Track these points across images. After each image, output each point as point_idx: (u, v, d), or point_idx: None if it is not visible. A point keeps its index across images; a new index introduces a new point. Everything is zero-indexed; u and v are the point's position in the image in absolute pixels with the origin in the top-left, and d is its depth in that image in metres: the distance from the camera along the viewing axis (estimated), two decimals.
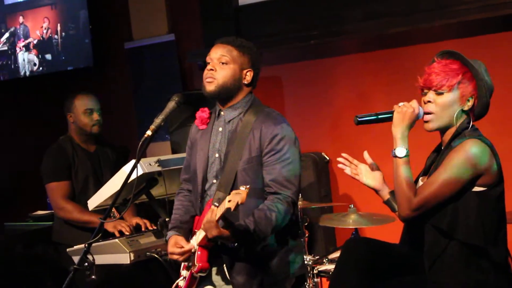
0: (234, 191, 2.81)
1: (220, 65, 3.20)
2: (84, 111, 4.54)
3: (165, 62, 6.11)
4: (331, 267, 4.14)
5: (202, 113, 3.36)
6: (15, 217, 5.62)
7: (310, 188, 5.04)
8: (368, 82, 5.18)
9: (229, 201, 2.77)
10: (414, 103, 2.93)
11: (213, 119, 3.34)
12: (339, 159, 3.25)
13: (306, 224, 4.37)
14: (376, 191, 3.21)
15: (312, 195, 5.03)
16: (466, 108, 2.92)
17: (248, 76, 3.25)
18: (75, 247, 4.00)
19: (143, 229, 4.23)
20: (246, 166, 3.15)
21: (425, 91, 2.94)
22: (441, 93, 2.89)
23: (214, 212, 2.92)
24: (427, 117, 2.94)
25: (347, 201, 4.88)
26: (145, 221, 4.30)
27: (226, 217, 2.91)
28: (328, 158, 5.29)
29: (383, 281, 2.95)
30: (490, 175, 2.85)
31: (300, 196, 4.01)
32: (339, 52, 5.31)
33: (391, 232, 3.54)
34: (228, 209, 2.77)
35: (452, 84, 2.87)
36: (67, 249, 4.07)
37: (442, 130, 2.97)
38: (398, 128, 2.92)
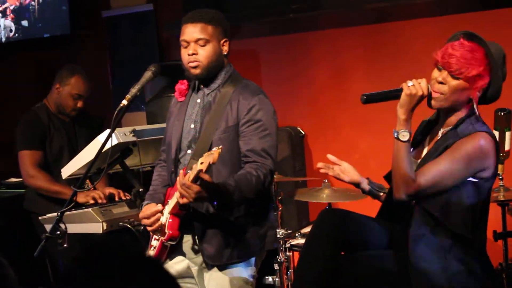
0: (206, 153, 2.79)
1: (200, 47, 3.16)
2: (73, 95, 4.49)
3: (143, 32, 6.06)
4: (303, 241, 4.12)
5: (181, 85, 3.33)
6: None
7: (284, 162, 5.04)
8: (347, 58, 5.18)
9: (201, 163, 2.75)
10: (423, 83, 2.84)
11: (191, 90, 3.32)
12: (319, 165, 3.20)
13: (280, 198, 4.39)
14: (357, 185, 3.19)
15: (287, 169, 5.03)
16: (475, 97, 2.85)
17: (226, 46, 3.23)
18: (48, 215, 3.97)
19: (116, 199, 4.21)
20: (222, 136, 3.14)
21: (440, 66, 2.85)
22: (457, 79, 2.80)
23: (186, 176, 2.89)
24: (434, 95, 2.84)
25: (321, 176, 4.83)
26: (119, 190, 4.28)
27: (200, 177, 2.86)
28: (303, 133, 5.30)
29: (358, 253, 2.95)
30: (490, 170, 2.83)
31: None
32: (318, 26, 5.29)
33: (364, 208, 3.55)
34: (200, 170, 2.75)
35: (471, 76, 2.79)
36: (40, 217, 4.04)
37: (444, 111, 2.90)
38: (404, 109, 2.82)
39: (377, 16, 5.01)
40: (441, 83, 2.82)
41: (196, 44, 3.16)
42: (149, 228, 3.24)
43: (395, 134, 2.84)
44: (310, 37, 5.33)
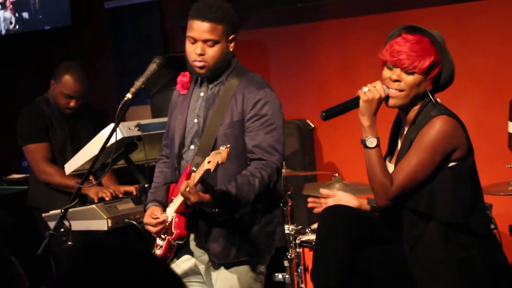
0: (214, 151, 2.72)
1: (208, 47, 3.06)
2: (64, 94, 4.39)
3: (146, 23, 5.97)
4: (313, 237, 4.09)
5: (183, 78, 3.26)
6: None
7: (293, 156, 4.98)
8: (356, 48, 5.11)
9: (208, 162, 2.68)
10: (378, 85, 2.84)
11: (194, 83, 3.25)
12: (310, 204, 3.16)
13: (289, 192, 4.33)
14: None
15: (296, 163, 4.95)
16: (429, 88, 2.85)
17: (233, 43, 3.14)
18: (51, 212, 3.92)
19: (134, 193, 4.09)
20: (227, 131, 3.08)
21: (390, 65, 2.85)
22: (412, 74, 2.81)
23: (192, 177, 2.84)
24: (393, 93, 2.84)
25: (331, 170, 4.83)
26: (135, 186, 4.13)
27: (205, 180, 2.83)
28: (312, 126, 5.22)
29: (365, 250, 2.91)
30: (461, 149, 2.82)
31: (283, 164, 3.93)
32: (327, 16, 5.22)
33: None
34: (208, 170, 2.67)
35: (424, 67, 2.79)
36: (43, 214, 3.98)
37: (405, 107, 2.89)
38: (366, 116, 2.85)
39: (386, 5, 4.94)
40: (396, 80, 2.82)
41: (205, 44, 3.06)
42: (155, 235, 3.19)
43: (363, 142, 2.86)
44: (319, 27, 5.25)
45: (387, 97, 2.85)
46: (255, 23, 5.47)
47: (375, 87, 2.83)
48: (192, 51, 3.08)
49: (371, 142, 2.84)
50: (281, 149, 3.10)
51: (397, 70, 2.82)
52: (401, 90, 2.82)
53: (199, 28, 3.06)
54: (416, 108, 2.87)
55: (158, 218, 3.12)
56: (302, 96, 5.31)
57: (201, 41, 3.06)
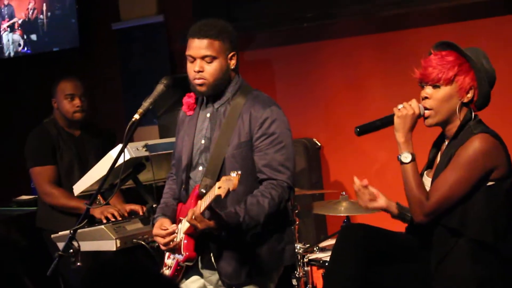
0: (224, 177, 2.71)
1: (206, 63, 3.07)
2: (65, 97, 4.43)
3: (153, 44, 6.00)
4: (322, 255, 4.09)
5: (188, 99, 3.27)
6: None
7: (301, 175, 4.97)
8: (362, 67, 5.11)
9: (219, 187, 2.68)
10: (414, 103, 2.87)
11: (199, 104, 3.25)
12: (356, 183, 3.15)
13: (296, 211, 4.31)
14: (385, 210, 3.15)
15: (303, 182, 4.96)
16: (466, 100, 2.84)
17: (233, 60, 3.14)
18: (60, 233, 3.91)
19: (140, 213, 4.09)
20: (234, 152, 3.07)
21: (423, 84, 2.88)
22: (438, 87, 2.82)
23: (198, 206, 2.85)
24: (426, 113, 2.87)
25: (338, 188, 4.81)
26: (142, 206, 4.13)
27: (213, 207, 2.83)
28: (319, 144, 5.23)
29: (382, 267, 2.92)
30: (501, 169, 2.80)
31: None
32: (332, 35, 5.22)
33: (383, 220, 3.48)
34: (218, 196, 2.68)
35: (449, 77, 2.80)
36: (52, 235, 3.98)
37: (443, 124, 2.90)
38: (401, 132, 2.86)
39: (392, 24, 4.94)
40: (425, 98, 2.85)
41: (203, 60, 3.07)
42: (163, 248, 3.18)
43: (398, 158, 2.87)
44: (325, 46, 5.26)
45: (425, 118, 2.87)
46: (261, 42, 5.48)
47: (410, 105, 2.86)
48: (192, 69, 3.10)
49: (406, 157, 2.85)
50: (292, 167, 3.09)
51: (427, 88, 2.85)
52: (430, 109, 2.85)
53: (196, 45, 3.08)
54: (456, 123, 2.86)
55: (167, 229, 3.12)
56: (309, 115, 5.30)
57: (199, 58, 3.07)
